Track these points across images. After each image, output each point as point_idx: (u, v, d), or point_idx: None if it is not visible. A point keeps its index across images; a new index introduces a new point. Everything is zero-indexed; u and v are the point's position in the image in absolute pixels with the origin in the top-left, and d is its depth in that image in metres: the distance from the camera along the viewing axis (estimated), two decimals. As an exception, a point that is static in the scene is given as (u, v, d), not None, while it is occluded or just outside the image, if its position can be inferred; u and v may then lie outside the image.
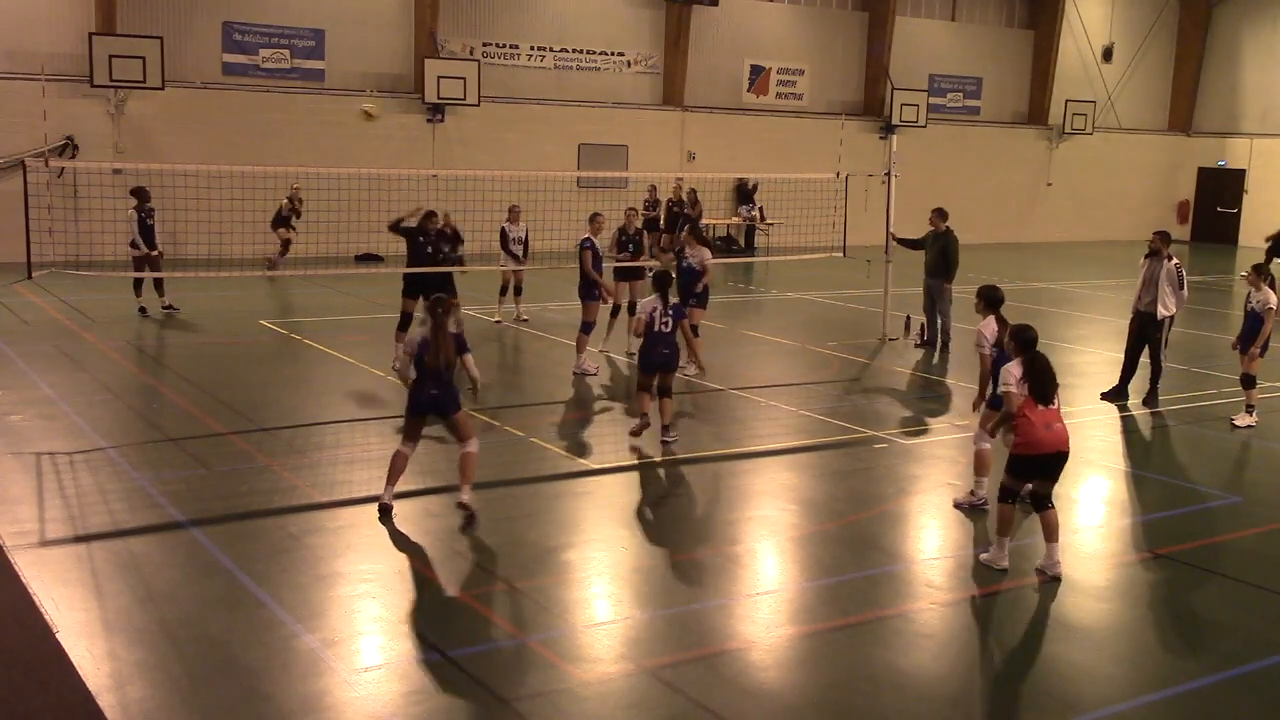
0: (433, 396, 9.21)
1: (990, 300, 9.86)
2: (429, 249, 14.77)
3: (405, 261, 15.00)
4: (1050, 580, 8.32)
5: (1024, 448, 8.31)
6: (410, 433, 9.43)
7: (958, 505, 9.88)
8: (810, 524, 9.50)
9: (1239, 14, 38.78)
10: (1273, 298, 12.89)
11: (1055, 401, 8.38)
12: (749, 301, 22.53)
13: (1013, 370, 8.44)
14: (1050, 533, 8.45)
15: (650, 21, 30.80)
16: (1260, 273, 13.13)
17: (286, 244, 22.73)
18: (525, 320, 18.15)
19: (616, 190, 27.28)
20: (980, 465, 9.85)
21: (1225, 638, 7.63)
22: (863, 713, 6.49)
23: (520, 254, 17.74)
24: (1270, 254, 29.03)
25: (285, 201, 22.80)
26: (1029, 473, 8.44)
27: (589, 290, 14.74)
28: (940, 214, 17.31)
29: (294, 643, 6.95)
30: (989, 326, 9.73)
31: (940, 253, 17.05)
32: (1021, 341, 8.54)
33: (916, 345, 17.26)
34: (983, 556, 8.62)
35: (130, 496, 9.48)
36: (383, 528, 9.00)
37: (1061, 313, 21.71)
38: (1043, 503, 8.52)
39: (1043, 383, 8.34)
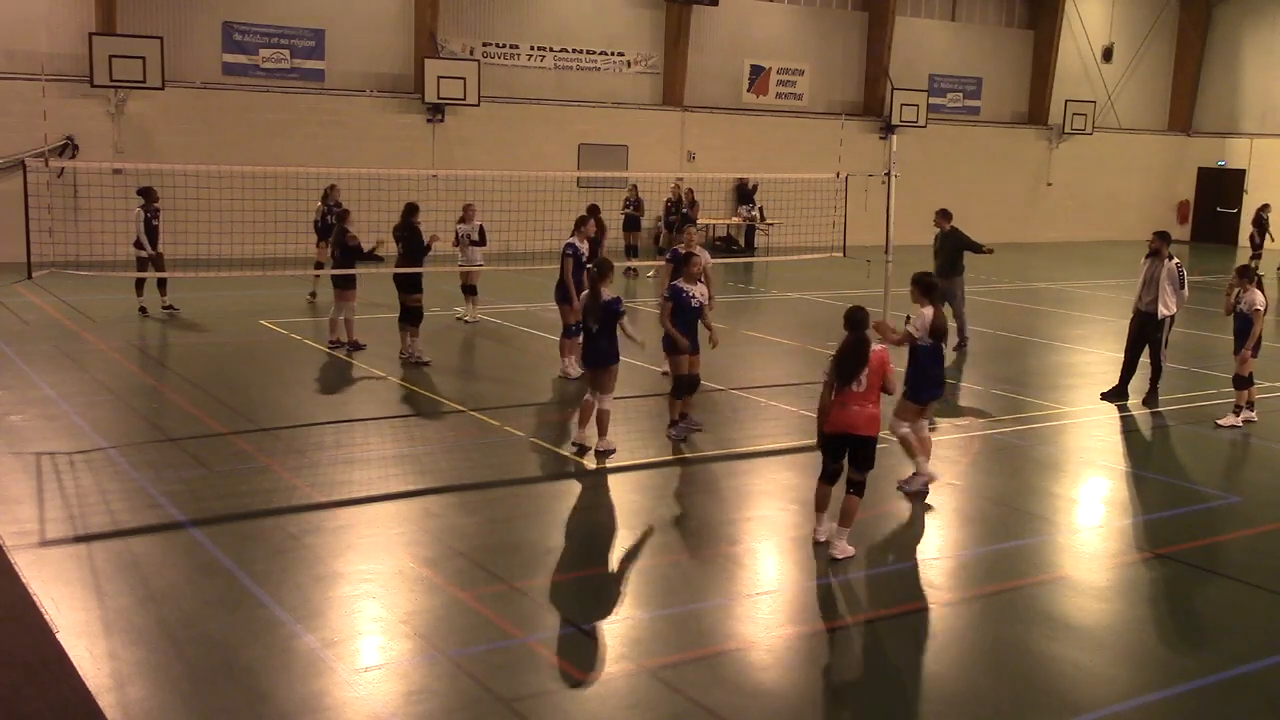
0: (594, 350, 10.83)
1: (928, 288, 10.02)
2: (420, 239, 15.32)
3: (400, 260, 15.23)
4: (831, 560, 8.55)
5: (821, 423, 8.67)
6: (589, 383, 11.07)
7: (901, 488, 10.18)
8: (810, 524, 9.48)
9: (1239, 14, 38.78)
10: (1259, 298, 12.91)
11: (861, 384, 8.47)
12: (749, 301, 22.54)
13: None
14: (843, 518, 8.62)
15: (650, 21, 30.80)
16: (1245, 275, 13.13)
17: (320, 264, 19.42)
18: (470, 322, 18.08)
19: (617, 190, 27.29)
20: (910, 449, 10.15)
21: (1225, 638, 7.63)
22: (863, 713, 6.49)
23: (473, 254, 17.76)
24: (1254, 235, 29.18)
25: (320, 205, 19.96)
26: (824, 448, 8.70)
27: (566, 294, 14.59)
28: (944, 214, 17.35)
29: (294, 643, 6.95)
30: (929, 313, 9.91)
31: (951, 253, 17.11)
32: (850, 321, 8.67)
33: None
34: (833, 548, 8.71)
35: (130, 496, 9.48)
36: (383, 528, 9.01)
37: (1061, 313, 21.72)
38: (848, 487, 8.66)
39: (846, 364, 8.48)
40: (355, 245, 15.54)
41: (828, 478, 8.79)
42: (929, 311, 9.90)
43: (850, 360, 8.49)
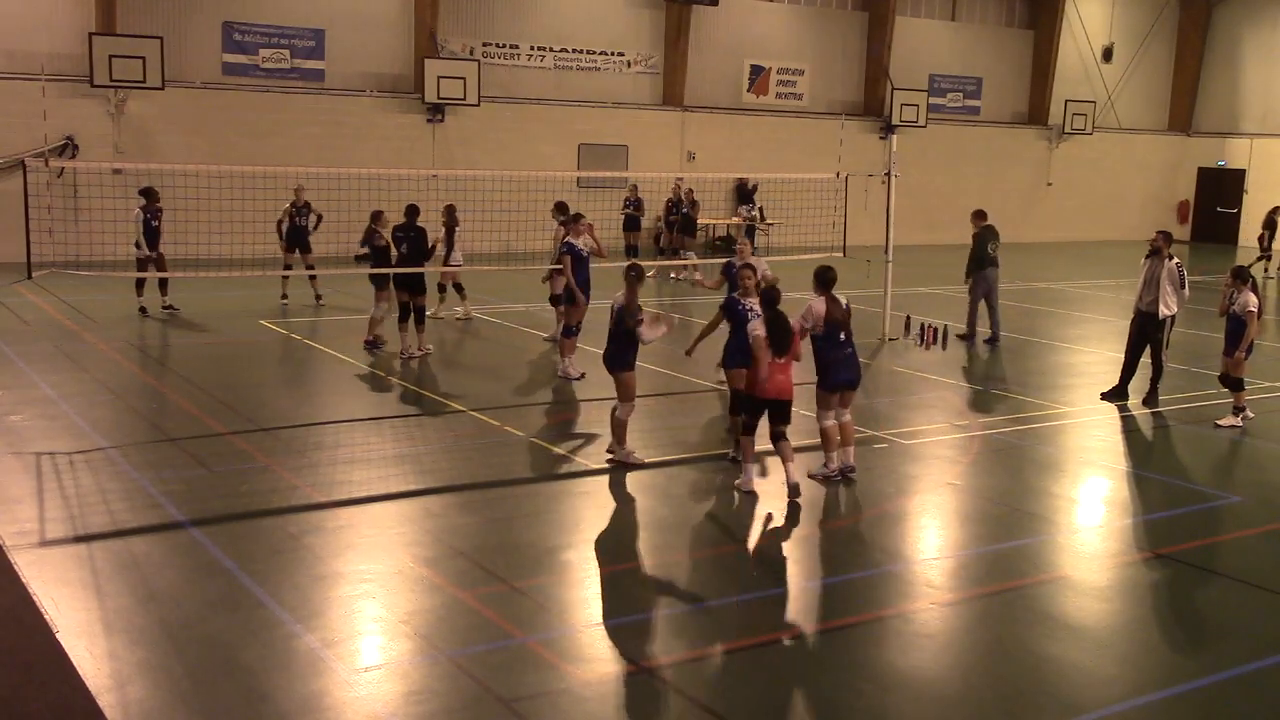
0: (606, 358, 10.74)
1: (823, 282, 10.49)
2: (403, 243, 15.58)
3: (405, 261, 15.36)
4: (792, 499, 9.78)
5: (756, 389, 9.94)
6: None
7: (812, 476, 10.50)
8: (810, 524, 9.50)
9: (1239, 14, 38.77)
10: (1253, 300, 12.88)
11: (786, 357, 9.85)
12: (749, 301, 22.51)
13: (757, 327, 9.86)
14: (787, 460, 9.92)
15: (650, 21, 30.80)
16: (1239, 277, 13.10)
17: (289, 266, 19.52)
18: (465, 319, 18.31)
19: (617, 190, 27.29)
20: (828, 442, 10.52)
21: (1225, 638, 7.63)
22: (863, 713, 6.49)
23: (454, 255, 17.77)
24: (1265, 238, 29.30)
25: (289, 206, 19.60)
26: (755, 410, 10.03)
27: (569, 293, 14.64)
28: (976, 215, 18.10)
29: (294, 643, 6.95)
30: (819, 305, 10.39)
31: (974, 250, 17.87)
32: (765, 300, 9.97)
33: (986, 342, 17.76)
34: (736, 482, 10.14)
35: (130, 496, 9.48)
36: (383, 528, 9.01)
37: (1061, 313, 21.71)
38: (779, 439, 9.94)
39: (781, 338, 9.76)
40: (384, 245, 15.57)
41: (750, 430, 10.08)
42: (818, 303, 10.42)
43: (783, 334, 9.79)
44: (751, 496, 9.98)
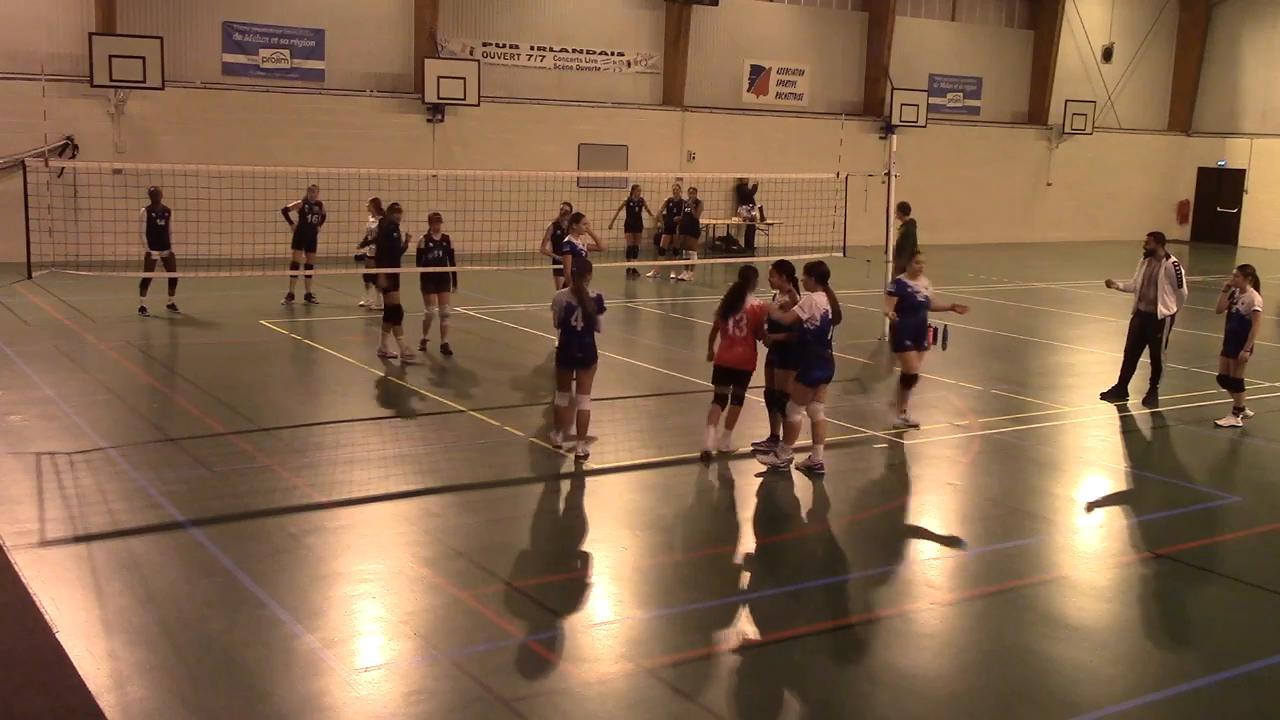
0: (578, 352, 10.69)
1: (820, 276, 10.56)
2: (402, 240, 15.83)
3: (387, 259, 15.45)
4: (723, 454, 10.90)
5: (715, 358, 10.86)
6: (563, 385, 10.90)
7: (768, 463, 10.76)
8: (810, 524, 9.50)
9: (1239, 14, 38.77)
10: (1258, 299, 12.85)
11: (741, 330, 10.65)
12: (749, 301, 22.51)
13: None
14: (729, 421, 10.98)
15: (650, 21, 30.80)
16: (1247, 274, 13.07)
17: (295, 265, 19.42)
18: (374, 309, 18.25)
19: (617, 190, 27.29)
20: (791, 434, 10.67)
21: (1225, 638, 7.63)
22: (863, 713, 6.49)
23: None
24: None
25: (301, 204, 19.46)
26: (715, 380, 10.94)
27: None
28: (901, 208, 18.53)
29: (294, 643, 6.95)
30: (821, 299, 10.46)
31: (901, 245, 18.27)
32: (740, 275, 10.81)
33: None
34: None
35: (130, 496, 9.48)
36: (383, 528, 9.01)
37: (1061, 313, 21.72)
38: (733, 401, 10.89)
39: (729, 302, 10.67)
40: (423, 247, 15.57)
41: (719, 401, 10.90)
42: (820, 297, 10.44)
43: (733, 299, 10.60)
44: (707, 459, 10.87)
